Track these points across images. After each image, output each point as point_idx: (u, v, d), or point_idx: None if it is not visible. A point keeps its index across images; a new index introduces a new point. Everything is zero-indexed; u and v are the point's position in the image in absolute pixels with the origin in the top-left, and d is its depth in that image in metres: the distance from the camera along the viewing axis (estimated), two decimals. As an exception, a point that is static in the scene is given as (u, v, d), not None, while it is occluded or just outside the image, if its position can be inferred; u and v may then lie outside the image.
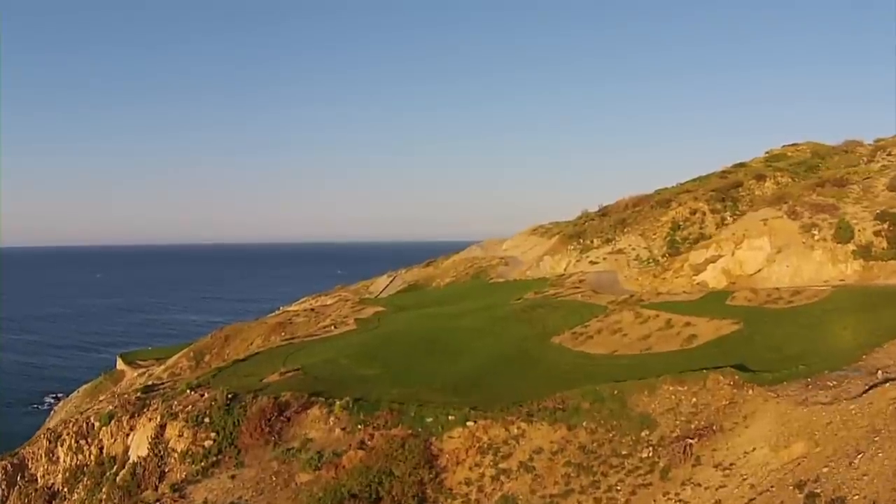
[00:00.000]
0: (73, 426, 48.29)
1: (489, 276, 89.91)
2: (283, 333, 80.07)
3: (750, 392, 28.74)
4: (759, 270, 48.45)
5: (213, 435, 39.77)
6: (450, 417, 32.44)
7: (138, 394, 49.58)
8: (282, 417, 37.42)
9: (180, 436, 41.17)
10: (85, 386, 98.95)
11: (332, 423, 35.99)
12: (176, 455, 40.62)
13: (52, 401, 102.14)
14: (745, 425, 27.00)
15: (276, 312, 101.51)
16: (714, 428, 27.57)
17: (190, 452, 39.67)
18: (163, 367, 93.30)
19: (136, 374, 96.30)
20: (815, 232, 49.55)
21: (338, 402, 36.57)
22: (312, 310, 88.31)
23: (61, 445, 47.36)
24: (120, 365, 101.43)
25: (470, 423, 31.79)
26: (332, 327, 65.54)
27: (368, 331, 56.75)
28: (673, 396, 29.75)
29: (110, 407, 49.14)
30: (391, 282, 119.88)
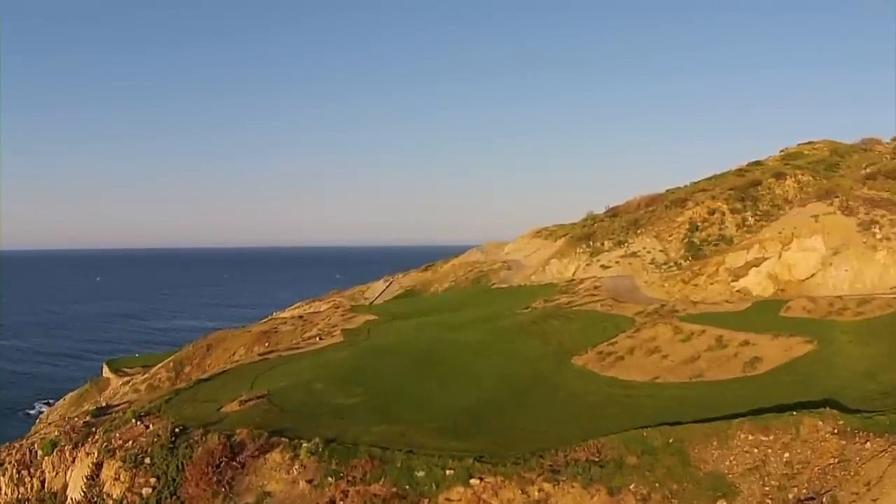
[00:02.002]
0: (15, 453, 39.34)
1: (491, 281, 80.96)
2: (266, 344, 71.41)
3: (867, 445, 19.82)
4: (813, 275, 39.60)
5: (152, 480, 30.86)
6: (447, 472, 23.42)
7: (87, 418, 40.80)
8: (234, 463, 28.40)
9: (116, 479, 32.28)
10: (71, 393, 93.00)
11: (296, 472, 27.00)
12: (111, 502, 31.85)
13: (45, 407, 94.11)
14: (872, 498, 18.09)
15: (264, 320, 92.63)
16: (824, 500, 18.68)
17: (126, 501, 30.87)
18: (143, 377, 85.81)
19: (120, 382, 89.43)
20: (876, 230, 40.78)
21: (304, 445, 27.57)
22: (301, 317, 79.35)
23: (3, 475, 38.48)
24: (106, 372, 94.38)
25: (474, 481, 22.80)
26: (318, 338, 56.70)
27: (355, 344, 47.81)
28: (755, 449, 20.78)
29: (56, 433, 40.29)
30: (387, 287, 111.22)
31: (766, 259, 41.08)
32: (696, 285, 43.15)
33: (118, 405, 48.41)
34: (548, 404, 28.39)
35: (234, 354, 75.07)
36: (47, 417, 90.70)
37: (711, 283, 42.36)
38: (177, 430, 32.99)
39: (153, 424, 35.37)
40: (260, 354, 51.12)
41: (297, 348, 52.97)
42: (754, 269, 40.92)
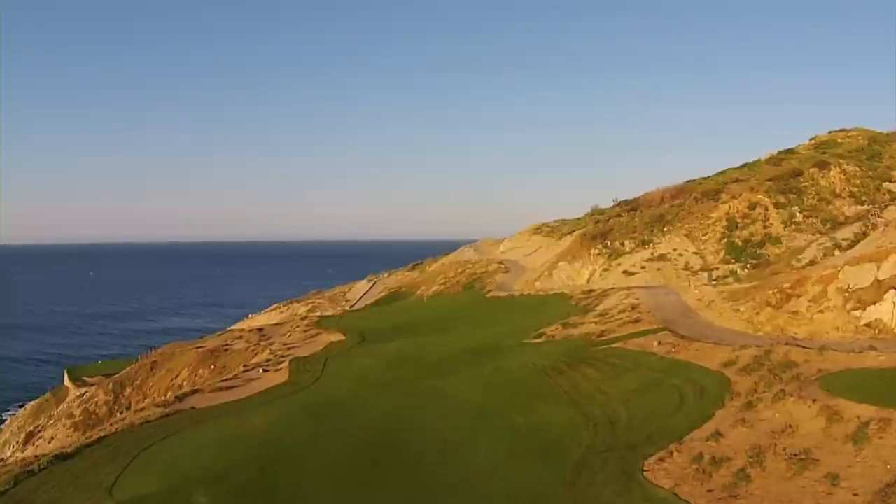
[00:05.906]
0: None
1: (485, 286, 64.86)
2: (212, 367, 55.81)
3: None
4: None
5: None
6: None
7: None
8: None
9: None
10: (32, 403, 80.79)
11: None
12: None
13: (18, 409, 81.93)
14: None
15: (219, 333, 76.86)
16: None
17: None
18: (93, 390, 71.86)
19: (77, 393, 75.96)
20: None
21: None
22: (260, 330, 63.14)
23: None
24: (66, 381, 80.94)
25: None
26: (261, 370, 40.69)
27: (298, 390, 31.69)
28: None
29: None
30: (371, 287, 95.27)
31: (912, 277, 25.24)
32: (794, 312, 27.29)
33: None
34: None
35: (177, 377, 59.49)
36: (7, 428, 79.21)
37: (819, 311, 26.50)
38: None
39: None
40: (169, 404, 34.63)
41: (229, 387, 36.84)
42: (892, 291, 25.12)
